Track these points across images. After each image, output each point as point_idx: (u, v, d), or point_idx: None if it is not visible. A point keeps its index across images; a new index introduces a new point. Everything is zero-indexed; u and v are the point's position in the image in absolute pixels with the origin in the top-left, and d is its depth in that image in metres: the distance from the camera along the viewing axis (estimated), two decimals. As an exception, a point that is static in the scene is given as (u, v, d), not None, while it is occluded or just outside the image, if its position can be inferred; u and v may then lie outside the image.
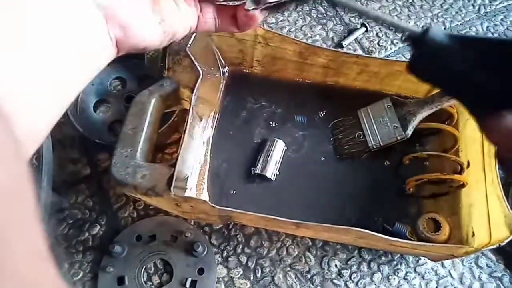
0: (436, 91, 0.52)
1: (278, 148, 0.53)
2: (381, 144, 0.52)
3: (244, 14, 0.32)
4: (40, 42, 0.24)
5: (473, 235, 0.46)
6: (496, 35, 0.69)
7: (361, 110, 0.54)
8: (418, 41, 0.26)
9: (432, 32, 0.25)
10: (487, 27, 0.70)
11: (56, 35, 0.24)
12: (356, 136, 0.54)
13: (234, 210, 0.42)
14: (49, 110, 0.25)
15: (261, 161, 0.52)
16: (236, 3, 0.31)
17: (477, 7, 0.72)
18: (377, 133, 0.52)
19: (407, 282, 0.50)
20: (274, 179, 0.52)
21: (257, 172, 0.52)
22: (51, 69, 0.24)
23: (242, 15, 0.32)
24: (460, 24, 0.70)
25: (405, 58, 0.66)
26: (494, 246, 0.41)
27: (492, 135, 0.25)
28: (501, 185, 0.44)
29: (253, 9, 0.31)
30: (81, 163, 0.55)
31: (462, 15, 0.71)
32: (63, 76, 0.25)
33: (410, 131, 0.51)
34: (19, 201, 0.20)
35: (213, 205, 0.40)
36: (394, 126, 0.52)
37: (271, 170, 0.52)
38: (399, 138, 0.51)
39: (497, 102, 0.25)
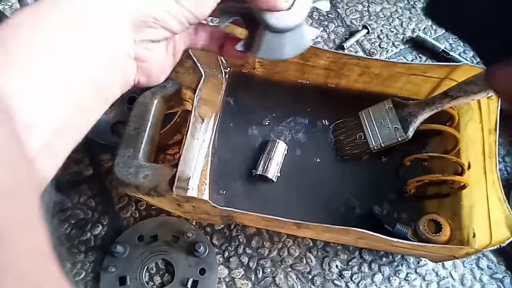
0: (437, 93, 0.52)
1: (280, 149, 0.53)
2: (382, 145, 0.52)
3: (233, 48, 0.33)
4: (67, 67, 0.25)
5: (474, 236, 0.46)
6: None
7: (362, 112, 0.54)
8: None
9: None
10: (489, 29, 0.70)
11: (86, 69, 0.26)
12: (357, 137, 0.54)
13: (236, 210, 0.42)
14: (67, 131, 0.26)
15: (262, 162, 0.53)
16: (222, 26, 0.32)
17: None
18: (378, 135, 0.53)
19: (408, 283, 0.50)
20: (275, 180, 0.52)
21: (258, 173, 0.52)
22: (72, 93, 0.25)
23: (230, 46, 0.34)
24: (462, 26, 0.70)
25: (406, 59, 0.66)
26: (495, 247, 0.42)
27: (495, 81, 0.26)
28: (501, 187, 0.44)
29: (241, 51, 0.32)
30: (83, 164, 0.56)
31: (464, 17, 0.71)
32: (82, 102, 0.26)
33: (411, 132, 0.51)
34: (22, 201, 0.20)
35: (215, 205, 0.40)
36: (395, 127, 0.52)
37: (272, 171, 0.52)
38: (400, 139, 0.52)
39: (505, 48, 0.25)
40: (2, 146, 0.19)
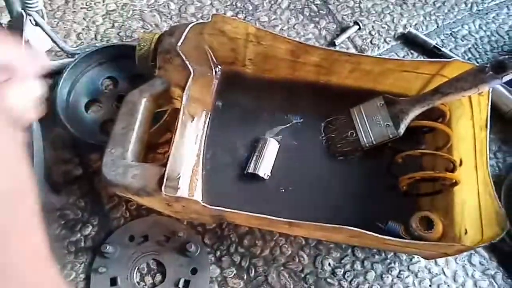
0: (428, 89, 0.52)
1: (271, 147, 0.53)
2: (374, 142, 0.52)
3: None
4: None
5: (466, 232, 0.46)
6: (488, 33, 0.69)
7: (354, 109, 0.54)
8: None
9: None
10: (479, 25, 0.70)
11: None
12: (349, 134, 0.53)
13: (226, 210, 0.41)
14: None
15: (253, 160, 0.52)
16: None
17: (469, 5, 0.72)
18: (370, 132, 0.52)
19: (401, 281, 0.50)
20: (266, 178, 0.52)
21: (249, 171, 0.52)
22: None
23: None
24: (453, 22, 0.70)
25: (398, 56, 0.66)
26: (487, 244, 0.42)
27: None
28: (492, 183, 0.44)
29: None
30: (72, 164, 0.55)
31: (455, 13, 0.71)
32: None
33: (402, 129, 0.51)
34: (23, 204, 0.21)
35: (205, 204, 0.40)
36: (387, 124, 0.52)
37: (264, 169, 0.52)
38: (391, 136, 0.51)
39: None
40: (6, 154, 0.20)
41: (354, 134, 0.53)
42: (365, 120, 0.53)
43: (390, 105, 0.52)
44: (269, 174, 0.52)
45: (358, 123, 0.53)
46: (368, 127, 0.52)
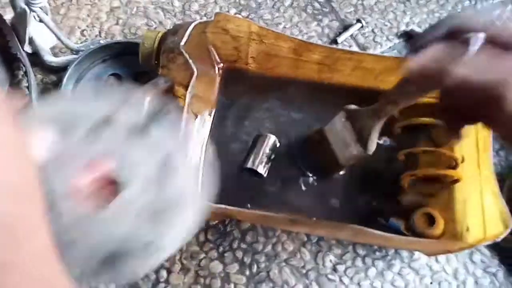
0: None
1: (271, 144, 0.53)
2: (350, 163, 0.49)
3: None
4: None
5: (468, 230, 0.46)
6: (491, 30, 0.69)
7: (326, 128, 0.50)
8: None
9: None
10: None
11: None
12: (328, 154, 0.50)
13: (229, 207, 0.42)
14: None
15: (252, 156, 0.52)
16: None
17: (473, 2, 0.72)
18: (344, 153, 0.49)
19: (402, 277, 0.51)
20: (265, 175, 0.52)
21: (247, 166, 0.52)
22: None
23: None
24: (456, 19, 0.70)
25: (400, 54, 0.66)
26: (490, 242, 0.42)
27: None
28: (496, 181, 0.44)
29: None
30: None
31: (458, 10, 0.71)
32: None
33: (370, 147, 0.45)
34: (31, 201, 0.21)
35: (208, 201, 0.40)
36: (354, 143, 0.47)
37: (263, 166, 0.52)
38: (362, 155, 0.46)
39: None
40: (13, 146, 0.19)
41: (333, 155, 0.50)
42: (337, 140, 0.49)
43: (353, 120, 0.47)
44: (267, 170, 0.52)
45: (332, 144, 0.49)
46: (341, 148, 0.48)
